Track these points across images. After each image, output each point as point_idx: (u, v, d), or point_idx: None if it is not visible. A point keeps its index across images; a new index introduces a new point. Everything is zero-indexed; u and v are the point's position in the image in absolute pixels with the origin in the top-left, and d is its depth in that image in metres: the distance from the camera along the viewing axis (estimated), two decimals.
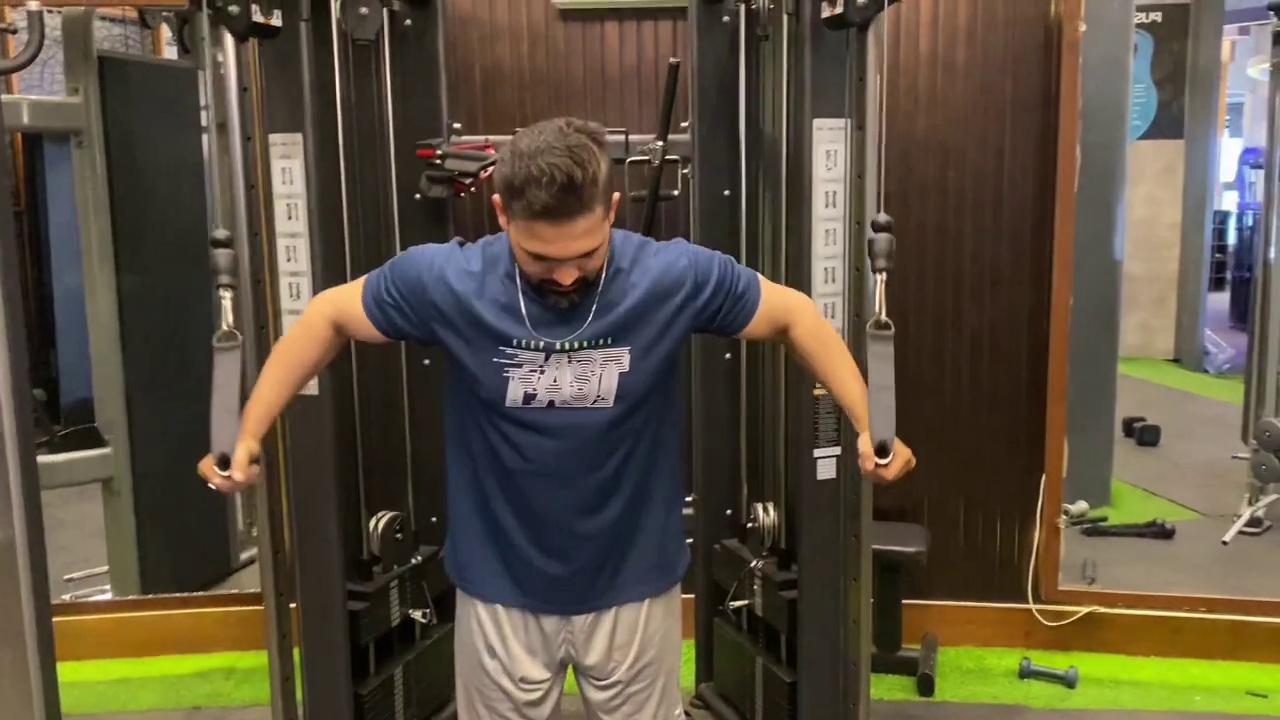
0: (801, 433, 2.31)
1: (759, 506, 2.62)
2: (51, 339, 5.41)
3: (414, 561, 2.68)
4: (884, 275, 1.80)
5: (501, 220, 1.55)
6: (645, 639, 1.77)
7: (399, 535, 2.62)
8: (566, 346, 1.59)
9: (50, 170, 5.33)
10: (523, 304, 1.59)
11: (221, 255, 1.77)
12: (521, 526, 1.67)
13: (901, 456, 1.63)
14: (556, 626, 1.73)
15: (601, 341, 1.60)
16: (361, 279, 1.70)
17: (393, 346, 2.63)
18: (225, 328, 1.72)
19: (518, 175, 1.44)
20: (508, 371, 1.59)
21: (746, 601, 2.66)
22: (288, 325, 2.29)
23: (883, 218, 1.87)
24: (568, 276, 1.50)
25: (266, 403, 1.69)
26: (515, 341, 1.59)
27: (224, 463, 1.60)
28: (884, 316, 1.74)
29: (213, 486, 1.61)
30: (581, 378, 1.60)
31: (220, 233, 1.78)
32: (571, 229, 1.45)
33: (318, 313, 1.71)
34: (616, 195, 1.54)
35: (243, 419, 1.65)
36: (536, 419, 1.61)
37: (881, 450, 1.62)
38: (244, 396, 1.73)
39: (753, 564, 2.64)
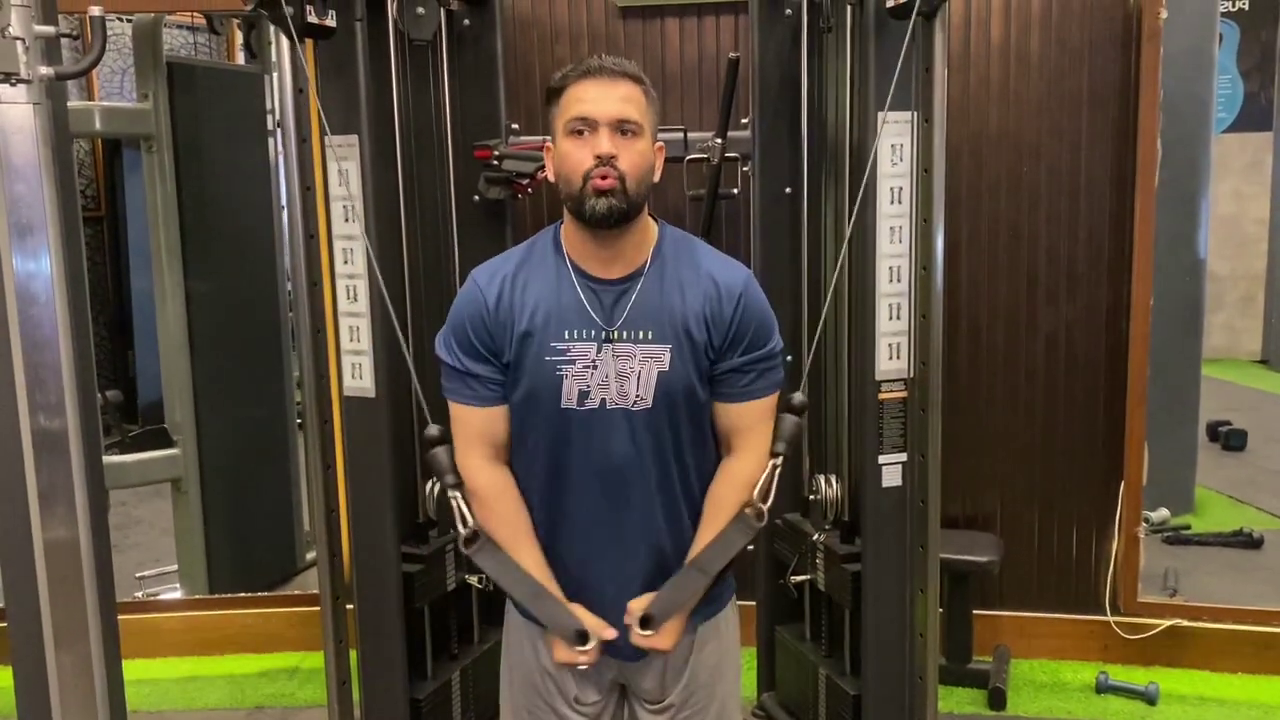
0: (865, 437, 2.24)
1: (820, 478, 2.55)
2: (130, 341, 5.54)
3: None
4: (780, 460, 1.60)
5: (547, 160, 1.59)
6: (698, 664, 1.71)
7: None
8: (616, 336, 1.56)
9: (129, 176, 5.46)
10: (575, 283, 1.58)
11: (443, 454, 1.60)
12: (575, 553, 1.63)
13: (656, 642, 1.58)
14: (610, 661, 1.68)
15: (643, 335, 1.57)
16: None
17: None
18: (466, 531, 1.57)
19: (566, 66, 1.58)
20: (561, 369, 1.56)
21: (808, 576, 2.58)
22: (344, 329, 2.28)
23: (798, 398, 1.62)
24: (607, 146, 1.50)
25: (542, 565, 1.62)
26: (567, 334, 1.57)
27: (581, 638, 1.57)
28: (765, 505, 1.59)
29: (584, 664, 1.59)
30: (622, 374, 1.57)
31: (433, 429, 1.61)
32: (614, 88, 1.52)
33: (473, 470, 1.62)
34: (661, 145, 1.60)
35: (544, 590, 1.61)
36: (588, 423, 1.58)
37: (645, 622, 1.56)
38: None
39: (814, 536, 2.56)
